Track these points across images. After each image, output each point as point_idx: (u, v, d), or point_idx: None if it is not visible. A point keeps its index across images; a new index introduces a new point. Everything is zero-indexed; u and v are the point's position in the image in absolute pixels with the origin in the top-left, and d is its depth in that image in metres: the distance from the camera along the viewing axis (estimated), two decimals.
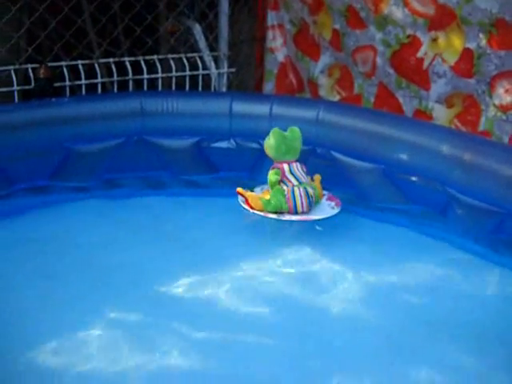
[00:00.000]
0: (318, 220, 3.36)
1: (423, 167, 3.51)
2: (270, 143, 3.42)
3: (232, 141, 3.95)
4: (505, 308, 2.86)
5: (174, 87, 4.47)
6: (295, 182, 3.38)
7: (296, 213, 3.36)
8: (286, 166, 3.40)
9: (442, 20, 3.79)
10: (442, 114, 3.91)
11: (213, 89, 4.62)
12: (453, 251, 3.26)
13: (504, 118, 3.67)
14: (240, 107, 3.92)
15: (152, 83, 4.44)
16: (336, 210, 3.44)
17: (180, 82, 4.49)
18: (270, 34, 4.71)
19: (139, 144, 3.86)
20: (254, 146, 3.91)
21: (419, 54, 3.91)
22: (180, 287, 2.87)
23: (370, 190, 3.66)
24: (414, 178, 3.55)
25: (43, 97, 3.90)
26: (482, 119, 3.76)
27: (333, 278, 3.01)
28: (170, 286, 2.87)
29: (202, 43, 4.60)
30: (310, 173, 3.58)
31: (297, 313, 2.77)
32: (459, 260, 3.19)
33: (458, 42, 3.75)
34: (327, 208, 3.47)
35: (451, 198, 3.41)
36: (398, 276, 3.03)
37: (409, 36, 3.94)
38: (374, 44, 4.10)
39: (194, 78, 4.54)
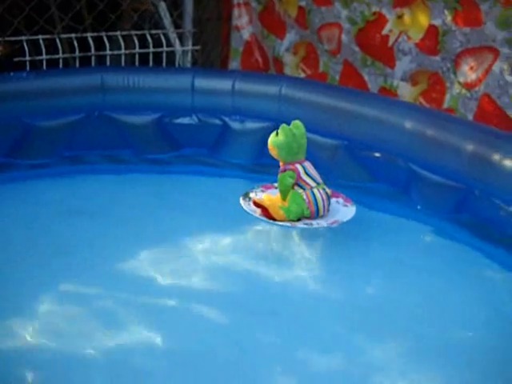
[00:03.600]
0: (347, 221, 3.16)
1: (387, 144, 3.52)
2: (279, 143, 3.05)
3: (194, 117, 3.93)
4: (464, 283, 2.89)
5: (137, 64, 4.44)
6: (313, 184, 3.08)
7: (317, 217, 3.09)
8: (299, 167, 3.08)
9: None
10: (406, 92, 3.93)
11: (177, 66, 4.59)
12: (416, 228, 3.25)
13: (468, 95, 3.70)
14: (202, 83, 3.91)
15: (115, 60, 4.41)
16: (353, 208, 3.19)
17: (143, 60, 4.47)
18: (235, 11, 4.70)
19: (100, 120, 3.83)
20: (217, 122, 3.91)
21: (384, 32, 3.94)
22: (136, 263, 2.85)
23: (333, 167, 3.64)
24: (377, 155, 3.57)
25: (1, 72, 3.83)
26: (447, 97, 3.78)
27: (295, 257, 2.99)
28: (126, 261, 2.86)
29: (167, 20, 4.58)
30: None
31: (254, 288, 2.76)
32: (422, 238, 3.21)
33: (423, 19, 3.77)
34: (339, 205, 3.20)
35: (414, 174, 3.42)
36: (361, 257, 3.00)
37: (374, 13, 3.97)
38: (339, 21, 4.11)
39: (157, 56, 4.52)
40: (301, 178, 3.05)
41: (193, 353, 2.36)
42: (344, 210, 3.16)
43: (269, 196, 3.11)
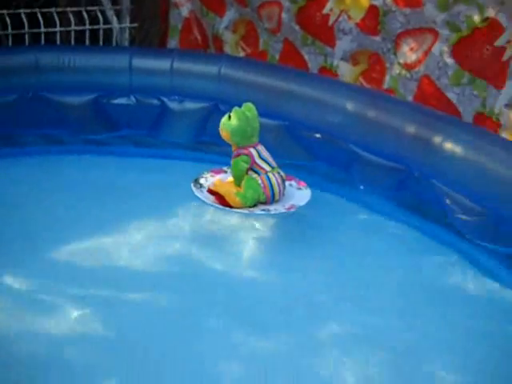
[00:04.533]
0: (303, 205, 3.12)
1: (327, 124, 3.54)
2: (233, 126, 2.99)
3: (132, 97, 3.90)
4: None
5: (73, 42, 4.36)
6: (268, 168, 3.02)
7: (273, 201, 3.04)
8: (253, 151, 3.02)
9: None
10: (347, 72, 3.93)
11: (114, 44, 4.54)
12: (358, 210, 3.26)
13: (408, 76, 3.70)
14: (140, 62, 3.89)
15: (50, 38, 4.30)
16: (308, 191, 3.14)
17: (79, 37, 4.38)
18: None
19: (35, 100, 3.77)
20: (155, 102, 3.88)
21: (325, 11, 3.92)
22: (75, 250, 2.79)
23: (275, 147, 3.47)
24: (317, 135, 3.58)
25: None
26: (387, 77, 3.79)
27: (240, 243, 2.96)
28: (64, 250, 2.79)
29: None
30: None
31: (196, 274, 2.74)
32: (365, 219, 3.21)
33: None
34: (293, 189, 3.15)
35: (355, 155, 3.45)
36: (307, 241, 3.00)
37: None
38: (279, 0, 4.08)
39: (94, 33, 4.45)
40: (255, 162, 3.01)
41: (132, 341, 2.31)
42: (299, 194, 3.13)
43: (221, 182, 3.05)
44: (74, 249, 2.80)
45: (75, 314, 2.40)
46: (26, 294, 2.51)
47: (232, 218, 3.02)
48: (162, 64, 3.84)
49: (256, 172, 3.01)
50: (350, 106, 3.47)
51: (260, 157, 3.01)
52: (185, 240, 2.92)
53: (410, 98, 3.71)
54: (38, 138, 3.74)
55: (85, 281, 2.60)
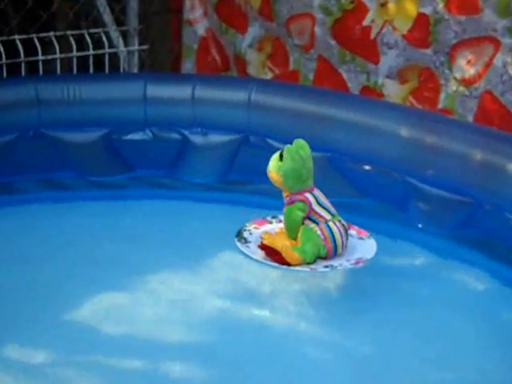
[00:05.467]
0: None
1: (377, 154, 3.48)
2: (286, 168, 2.80)
3: (148, 131, 3.81)
4: None
5: (75, 70, 4.28)
6: (327, 216, 2.84)
7: (335, 255, 2.86)
8: (310, 197, 2.84)
9: None
10: (394, 91, 3.85)
11: (122, 70, 4.46)
12: (418, 252, 3.15)
13: (467, 93, 3.63)
14: (156, 91, 3.81)
15: (49, 66, 4.24)
16: (371, 241, 2.97)
17: (82, 64, 4.30)
18: (187, 3, 4.60)
19: (37, 139, 3.69)
20: (175, 136, 3.80)
21: (365, 22, 3.86)
22: (86, 312, 2.65)
23: (317, 184, 3.41)
24: (367, 168, 3.51)
25: None
26: (442, 95, 3.71)
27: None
28: (79, 312, 2.64)
29: (107, 16, 4.44)
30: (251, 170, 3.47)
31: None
32: (427, 263, 3.11)
33: (410, 7, 3.71)
34: (353, 239, 2.98)
35: (411, 188, 3.37)
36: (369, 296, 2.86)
37: (352, 1, 3.87)
38: (311, 11, 4.02)
39: (98, 59, 4.37)
40: (313, 209, 2.81)
41: None
42: (362, 245, 2.94)
43: (269, 235, 2.87)
44: (91, 311, 2.65)
45: None
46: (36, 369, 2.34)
47: (291, 278, 2.84)
48: (182, 91, 3.76)
49: (314, 221, 2.81)
50: (402, 130, 3.40)
51: (318, 203, 2.81)
52: (230, 299, 2.74)
53: (470, 119, 3.62)
54: (42, 183, 3.63)
55: (105, 350, 2.44)
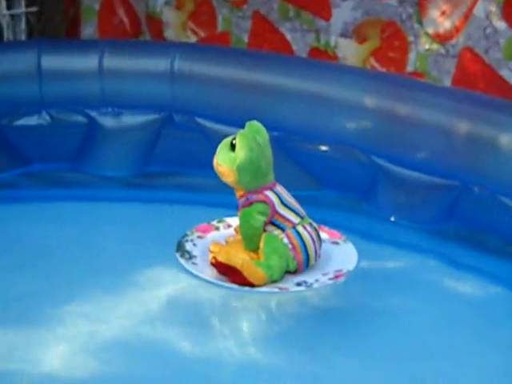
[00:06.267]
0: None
1: (335, 131, 3.29)
2: (240, 162, 2.56)
3: (45, 114, 3.56)
4: None
5: None
6: (295, 219, 2.59)
7: (306, 268, 2.60)
8: (272, 196, 2.58)
9: None
10: (351, 52, 3.79)
11: (6, 37, 4.14)
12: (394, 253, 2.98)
13: (442, 51, 3.55)
14: (53, 62, 3.56)
15: None
16: (349, 245, 2.77)
17: None
18: None
19: None
20: (79, 119, 3.58)
21: None
22: None
23: None
24: (323, 148, 3.32)
25: None
26: (411, 56, 3.65)
27: None
28: None
29: None
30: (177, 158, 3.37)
31: None
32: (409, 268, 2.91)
33: None
34: (325, 244, 2.75)
35: (380, 172, 3.20)
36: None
37: None
38: None
39: None
40: (276, 211, 2.56)
41: None
42: (337, 251, 2.71)
43: (220, 246, 2.62)
44: None
45: None
46: None
47: (256, 302, 2.58)
48: (86, 62, 3.54)
49: (278, 227, 2.56)
50: (366, 100, 3.19)
51: (282, 203, 2.57)
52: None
53: (447, 83, 3.53)
54: None
55: None
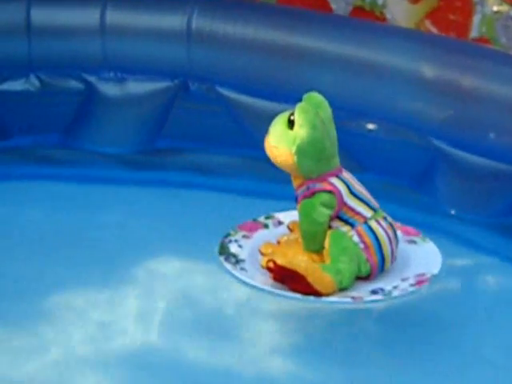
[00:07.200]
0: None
1: (385, 106, 3.14)
2: (301, 142, 2.41)
3: (34, 78, 3.41)
4: None
5: None
6: (367, 213, 2.45)
7: (381, 271, 2.47)
8: (339, 184, 2.43)
9: None
10: (402, 13, 3.55)
11: None
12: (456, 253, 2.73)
13: None
14: (44, 16, 3.40)
15: None
16: (429, 244, 2.67)
17: None
18: None
19: None
20: (75, 84, 3.41)
21: None
22: None
23: None
24: (370, 127, 3.16)
25: None
26: (476, 18, 3.43)
27: None
28: None
29: None
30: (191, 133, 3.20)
31: None
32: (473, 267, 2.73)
33: None
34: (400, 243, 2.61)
35: (440, 157, 3.04)
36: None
37: None
38: None
39: None
40: (345, 203, 2.39)
41: None
42: (416, 252, 2.60)
43: (272, 246, 2.53)
44: None
45: None
46: None
47: (326, 317, 2.38)
48: (85, 16, 3.36)
49: (347, 222, 2.38)
50: (423, 69, 3.03)
51: (351, 193, 2.39)
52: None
53: None
54: None
55: None
